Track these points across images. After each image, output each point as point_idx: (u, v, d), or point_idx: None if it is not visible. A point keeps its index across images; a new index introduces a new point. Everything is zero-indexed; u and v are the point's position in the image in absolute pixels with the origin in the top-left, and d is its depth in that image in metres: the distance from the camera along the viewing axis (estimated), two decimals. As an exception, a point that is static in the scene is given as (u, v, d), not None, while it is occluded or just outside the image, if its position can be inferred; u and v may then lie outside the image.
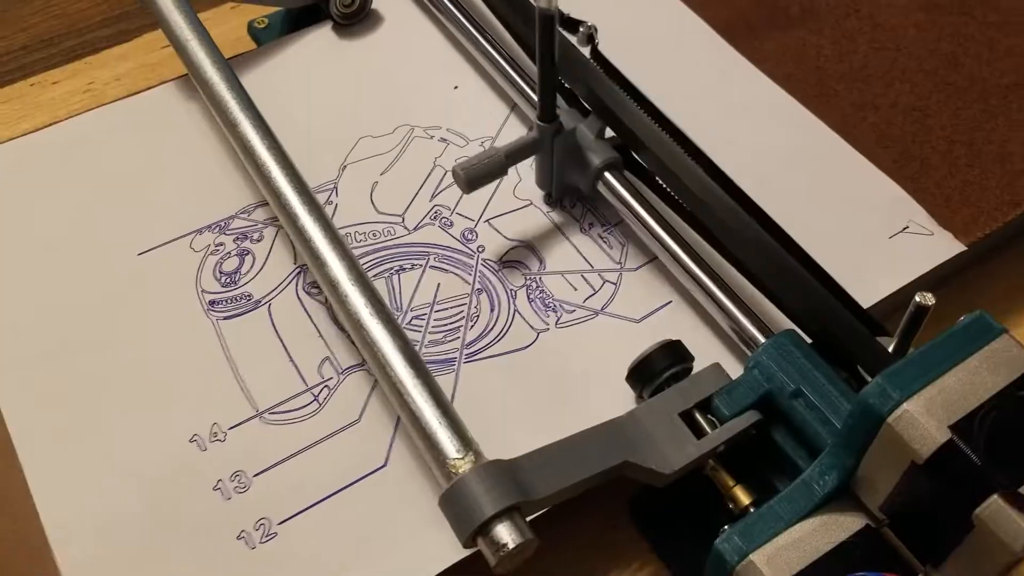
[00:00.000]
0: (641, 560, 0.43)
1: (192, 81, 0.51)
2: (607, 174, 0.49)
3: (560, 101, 0.49)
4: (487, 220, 0.51)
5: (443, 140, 0.54)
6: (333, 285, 0.40)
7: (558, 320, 0.47)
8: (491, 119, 0.55)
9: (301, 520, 0.41)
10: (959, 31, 0.57)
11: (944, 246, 0.48)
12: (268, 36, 0.60)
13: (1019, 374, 0.33)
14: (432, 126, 0.55)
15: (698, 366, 0.42)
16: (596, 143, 0.49)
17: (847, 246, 0.48)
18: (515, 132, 0.55)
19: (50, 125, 0.56)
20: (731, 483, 0.40)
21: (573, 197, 0.52)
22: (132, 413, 0.44)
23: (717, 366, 0.41)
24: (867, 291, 0.45)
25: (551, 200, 0.52)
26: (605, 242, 0.50)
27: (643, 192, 0.49)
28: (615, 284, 0.49)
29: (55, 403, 0.45)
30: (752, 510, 0.38)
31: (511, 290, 0.48)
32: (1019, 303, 0.51)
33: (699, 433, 0.39)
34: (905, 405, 0.32)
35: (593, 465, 0.37)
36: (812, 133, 0.53)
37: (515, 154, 0.47)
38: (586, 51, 0.49)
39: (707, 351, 0.45)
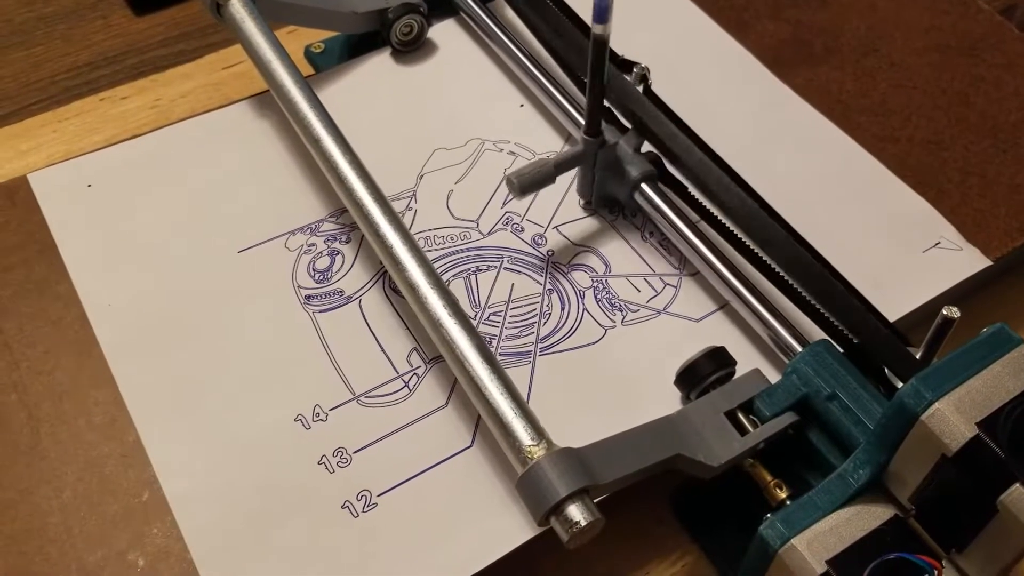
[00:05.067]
0: (682, 550, 0.46)
1: (272, 98, 0.54)
2: (643, 185, 0.53)
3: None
4: (555, 226, 0.55)
5: (512, 153, 0.58)
6: (412, 288, 0.44)
7: (624, 319, 0.51)
8: (555, 135, 0.60)
9: (398, 493, 0.45)
10: (969, 71, 0.62)
11: (973, 261, 0.53)
12: (325, 61, 0.64)
13: (1037, 379, 0.37)
14: (501, 140, 0.59)
15: (740, 371, 0.46)
16: (634, 157, 0.53)
17: (882, 260, 0.52)
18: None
19: (125, 139, 0.59)
20: (769, 479, 0.43)
21: (615, 209, 0.56)
22: (241, 394, 0.48)
23: (757, 371, 0.45)
24: (900, 302, 0.50)
25: (590, 208, 0.56)
26: (665, 248, 0.54)
27: (679, 205, 0.52)
28: (675, 287, 0.52)
29: (171, 386, 0.48)
30: (788, 503, 0.42)
31: (579, 291, 0.52)
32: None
33: (742, 431, 0.43)
34: (937, 404, 0.36)
35: (650, 456, 0.41)
36: (846, 153, 0.58)
37: (562, 164, 0.51)
38: (639, 90, 0.53)
39: (747, 357, 0.49)
